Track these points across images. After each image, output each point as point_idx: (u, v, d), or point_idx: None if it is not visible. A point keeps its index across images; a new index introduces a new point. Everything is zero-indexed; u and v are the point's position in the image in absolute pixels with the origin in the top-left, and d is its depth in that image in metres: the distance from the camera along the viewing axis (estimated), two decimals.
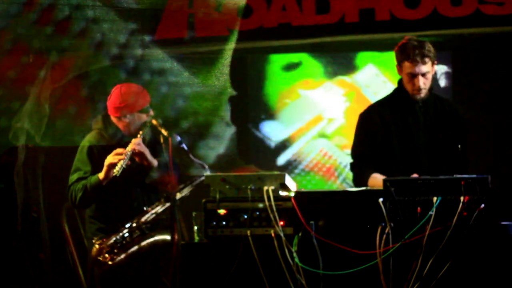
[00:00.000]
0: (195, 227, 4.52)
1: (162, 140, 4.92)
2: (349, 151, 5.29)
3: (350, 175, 5.39)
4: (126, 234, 5.07)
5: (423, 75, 4.96)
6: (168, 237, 4.96)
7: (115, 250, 5.05)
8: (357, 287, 4.28)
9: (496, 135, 6.86)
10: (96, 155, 5.18)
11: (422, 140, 5.03)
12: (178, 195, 5.04)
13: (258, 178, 4.44)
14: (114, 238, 5.05)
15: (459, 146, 5.02)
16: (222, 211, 4.42)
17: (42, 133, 6.53)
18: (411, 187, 4.28)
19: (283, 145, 7.35)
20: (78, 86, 6.70)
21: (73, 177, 5.18)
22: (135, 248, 5.09)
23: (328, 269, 4.27)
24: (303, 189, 4.77)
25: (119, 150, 5.08)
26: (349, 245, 4.25)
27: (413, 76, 4.97)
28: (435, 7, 6.76)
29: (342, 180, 7.18)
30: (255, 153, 7.34)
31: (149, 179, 5.21)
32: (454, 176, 4.79)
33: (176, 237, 4.54)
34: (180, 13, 6.86)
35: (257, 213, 4.40)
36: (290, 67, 7.33)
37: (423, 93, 5.00)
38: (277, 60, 7.35)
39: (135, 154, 5.08)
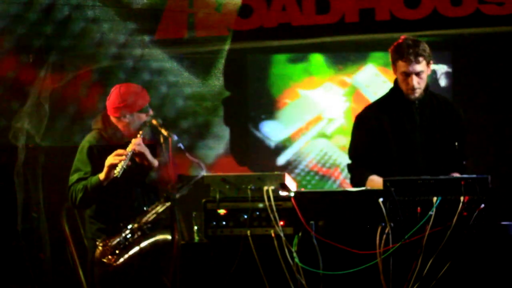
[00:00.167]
0: (195, 227, 4.51)
1: (162, 140, 4.92)
2: None
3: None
4: (129, 235, 5.07)
5: (417, 74, 4.93)
6: (169, 237, 4.95)
7: (117, 251, 5.05)
8: (357, 287, 4.28)
9: (496, 135, 6.86)
10: (96, 155, 5.17)
11: (419, 140, 5.01)
12: (177, 195, 5.04)
13: (258, 178, 4.43)
14: (117, 240, 5.05)
15: (456, 144, 5.00)
16: (222, 211, 4.42)
17: (42, 133, 6.54)
18: (411, 187, 4.27)
19: (283, 145, 7.35)
20: (78, 86, 6.71)
21: (73, 177, 5.17)
22: (137, 248, 5.08)
23: (328, 269, 4.27)
24: (303, 189, 4.78)
25: (119, 151, 5.08)
26: (349, 245, 4.25)
27: (407, 75, 4.94)
28: (435, 7, 6.76)
29: (342, 180, 7.18)
30: (255, 153, 7.34)
31: (149, 179, 5.20)
32: (454, 176, 4.81)
33: (176, 237, 4.54)
34: (180, 13, 6.86)
35: (257, 213, 4.39)
36: (290, 67, 7.33)
37: (417, 93, 4.97)
38: (277, 60, 7.34)
39: (135, 154, 5.08)
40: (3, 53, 6.64)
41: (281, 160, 7.34)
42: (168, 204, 5.01)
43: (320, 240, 4.28)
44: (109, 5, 6.72)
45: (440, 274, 4.19)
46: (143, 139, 5.15)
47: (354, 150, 5.11)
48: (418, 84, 4.94)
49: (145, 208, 5.17)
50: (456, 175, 4.93)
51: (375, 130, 5.03)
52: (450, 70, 7.14)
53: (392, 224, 4.22)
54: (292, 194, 4.37)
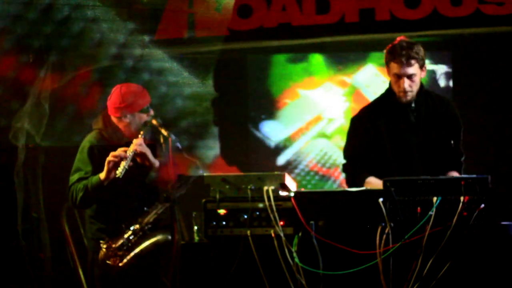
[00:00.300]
0: (195, 227, 4.51)
1: (162, 140, 4.92)
2: None
3: None
4: (132, 236, 5.07)
5: (409, 77, 4.89)
6: (169, 237, 4.96)
7: (121, 253, 5.05)
8: (357, 287, 4.28)
9: (496, 135, 6.86)
10: (97, 155, 5.17)
11: (415, 141, 4.98)
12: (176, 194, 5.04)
13: (258, 178, 4.43)
14: (121, 241, 5.05)
15: (452, 142, 4.98)
16: (222, 211, 4.42)
17: (42, 133, 6.54)
18: (411, 187, 4.27)
19: (283, 145, 7.35)
20: (78, 86, 6.71)
21: (74, 177, 5.17)
22: (139, 249, 5.09)
23: (328, 269, 4.27)
24: (303, 189, 4.78)
25: (119, 151, 5.06)
26: (349, 245, 4.25)
27: (399, 77, 4.90)
28: (435, 7, 6.77)
29: (342, 180, 7.18)
30: (255, 153, 7.34)
31: (149, 179, 5.20)
32: (454, 176, 4.82)
33: (176, 237, 4.54)
34: (180, 13, 6.86)
35: (257, 213, 4.39)
36: (290, 67, 7.33)
37: (409, 96, 4.94)
38: (277, 60, 7.35)
39: (136, 154, 5.08)
40: (3, 53, 6.64)
41: (281, 160, 7.34)
42: (168, 204, 5.01)
43: (320, 240, 4.28)
44: (109, 5, 6.72)
45: (440, 274, 4.19)
46: (144, 139, 5.15)
47: (349, 152, 5.10)
48: (410, 87, 4.91)
49: (145, 209, 5.17)
50: (454, 173, 4.94)
51: (370, 133, 5.01)
52: (450, 70, 7.14)
53: (392, 224, 4.22)
54: (292, 194, 4.37)
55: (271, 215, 4.34)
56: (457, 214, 4.19)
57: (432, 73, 7.11)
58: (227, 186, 4.44)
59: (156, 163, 5.16)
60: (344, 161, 5.14)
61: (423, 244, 4.18)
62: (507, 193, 5.15)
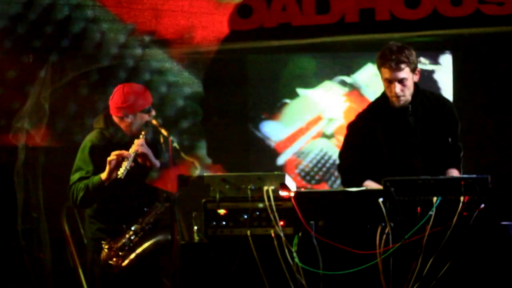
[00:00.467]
0: (195, 227, 4.51)
1: (162, 140, 4.93)
2: None
3: None
4: (133, 237, 5.07)
5: (400, 81, 4.84)
6: (169, 237, 4.96)
7: (122, 253, 5.05)
8: (357, 287, 4.28)
9: (496, 135, 6.86)
10: (98, 155, 5.17)
11: (414, 145, 4.93)
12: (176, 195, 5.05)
13: (258, 178, 4.43)
14: (123, 241, 5.05)
15: (450, 140, 4.95)
16: (222, 211, 4.42)
17: (42, 133, 6.54)
18: (411, 187, 4.27)
19: (283, 145, 7.35)
20: (78, 86, 6.71)
21: (75, 176, 5.17)
22: (140, 249, 5.09)
23: (328, 269, 4.27)
24: (303, 189, 4.77)
25: (122, 152, 5.06)
26: (349, 245, 4.24)
27: (390, 82, 4.86)
28: (435, 7, 6.76)
29: None
30: (255, 153, 7.34)
31: (149, 179, 5.20)
32: (454, 176, 4.81)
33: (176, 237, 4.54)
34: (180, 13, 6.85)
35: (257, 213, 4.39)
36: (291, 67, 7.33)
37: (402, 101, 4.89)
38: (277, 60, 7.34)
39: (138, 155, 5.08)
40: (3, 53, 6.64)
41: (281, 160, 7.34)
42: (168, 204, 5.01)
43: (320, 240, 4.28)
44: (109, 5, 6.72)
45: (440, 274, 4.19)
46: (145, 140, 5.15)
47: (345, 160, 5.05)
48: (402, 91, 4.86)
49: (145, 209, 5.17)
50: (453, 170, 4.93)
51: (368, 137, 4.97)
52: (450, 70, 7.13)
53: (392, 224, 4.22)
54: (292, 194, 4.37)
55: (271, 215, 4.34)
56: (457, 214, 4.19)
57: (432, 73, 7.11)
58: (227, 186, 4.44)
59: (157, 163, 5.16)
60: (339, 165, 5.11)
61: (423, 244, 4.18)
62: (507, 193, 5.14)
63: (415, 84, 4.95)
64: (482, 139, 6.77)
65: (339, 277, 4.24)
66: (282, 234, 4.32)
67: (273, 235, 4.33)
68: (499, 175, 5.48)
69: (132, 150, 5.05)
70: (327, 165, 7.27)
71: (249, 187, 4.41)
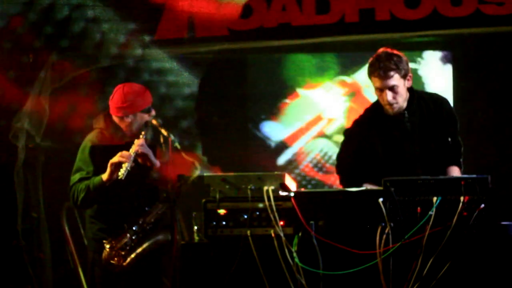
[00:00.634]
0: (195, 227, 4.51)
1: (162, 140, 4.93)
2: None
3: None
4: (134, 236, 5.08)
5: (391, 89, 4.81)
6: (170, 237, 4.96)
7: (124, 253, 5.06)
8: (357, 287, 4.28)
9: (496, 135, 6.86)
10: (98, 155, 5.16)
11: (413, 150, 4.90)
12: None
13: (258, 178, 4.43)
14: (124, 241, 5.05)
15: (449, 140, 4.93)
16: (222, 211, 4.42)
17: (42, 133, 6.54)
18: (411, 187, 4.27)
19: (283, 145, 7.35)
20: (78, 86, 6.71)
21: (75, 177, 5.16)
22: (141, 248, 5.09)
23: (328, 269, 4.27)
24: (303, 189, 4.77)
25: (125, 152, 5.05)
26: (349, 245, 4.25)
27: (381, 90, 4.85)
28: (435, 7, 6.75)
29: None
30: (255, 153, 7.34)
31: (149, 179, 5.20)
32: (454, 176, 4.81)
33: (176, 237, 4.54)
34: (180, 13, 6.85)
35: (257, 213, 4.40)
36: (291, 66, 7.33)
37: (395, 108, 4.85)
38: (277, 60, 7.34)
39: (138, 155, 5.07)
40: (3, 53, 6.64)
41: (281, 160, 7.34)
42: (168, 204, 5.01)
43: (320, 240, 4.28)
44: (109, 5, 6.71)
45: (440, 274, 4.19)
46: (145, 140, 5.15)
47: (342, 167, 5.04)
48: (394, 99, 4.82)
49: (146, 209, 5.17)
50: (454, 168, 4.91)
51: (365, 144, 4.95)
52: (450, 70, 7.14)
53: (392, 224, 4.22)
54: (292, 194, 4.37)
55: (271, 215, 4.34)
56: (457, 214, 4.19)
57: (432, 73, 7.11)
58: (227, 186, 4.44)
59: (158, 163, 5.16)
60: (337, 166, 5.10)
61: (423, 244, 4.18)
62: (507, 193, 5.14)
63: (410, 89, 4.91)
64: (482, 139, 6.77)
65: (339, 277, 4.24)
66: (282, 234, 4.32)
67: (273, 235, 4.33)
68: (499, 175, 5.48)
69: (132, 150, 5.05)
70: (327, 165, 7.27)
71: (249, 187, 4.41)
